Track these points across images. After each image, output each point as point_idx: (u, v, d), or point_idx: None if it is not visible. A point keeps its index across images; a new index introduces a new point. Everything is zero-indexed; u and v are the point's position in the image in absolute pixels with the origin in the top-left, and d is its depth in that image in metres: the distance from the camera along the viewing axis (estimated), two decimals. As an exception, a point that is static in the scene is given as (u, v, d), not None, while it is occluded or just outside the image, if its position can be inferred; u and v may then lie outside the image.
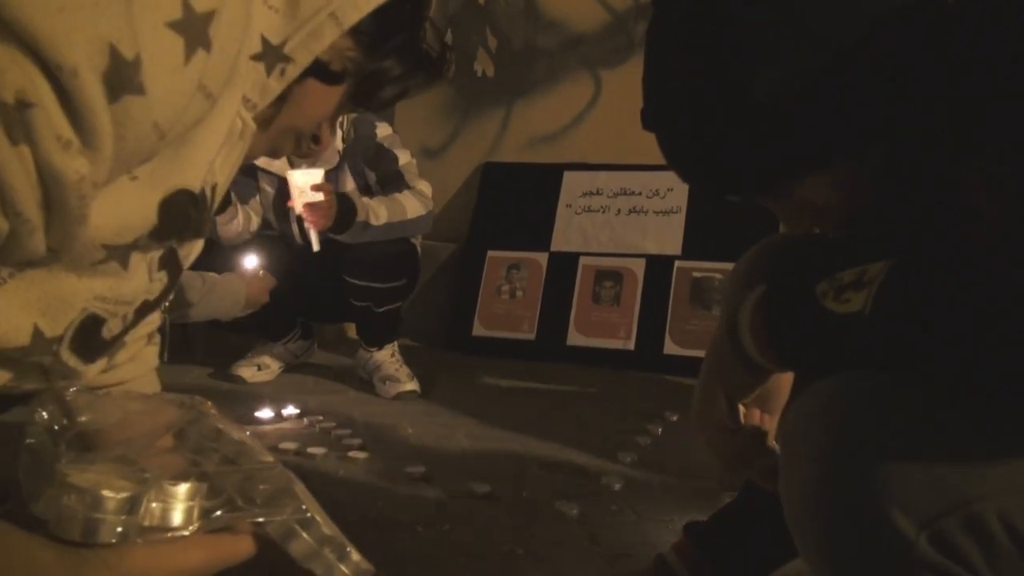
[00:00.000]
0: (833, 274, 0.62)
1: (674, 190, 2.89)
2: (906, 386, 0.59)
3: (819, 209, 0.68)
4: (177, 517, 0.52)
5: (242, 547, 0.54)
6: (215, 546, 0.53)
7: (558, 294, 2.88)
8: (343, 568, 0.58)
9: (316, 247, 1.99)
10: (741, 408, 0.75)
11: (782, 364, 0.69)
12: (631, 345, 2.74)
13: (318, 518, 0.57)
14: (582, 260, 2.92)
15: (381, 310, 2.22)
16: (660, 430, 1.93)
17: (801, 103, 0.60)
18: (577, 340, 2.80)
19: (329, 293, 2.28)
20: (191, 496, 0.52)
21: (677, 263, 2.81)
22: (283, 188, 2.16)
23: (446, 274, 3.07)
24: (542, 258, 2.96)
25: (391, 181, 2.18)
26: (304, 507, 0.56)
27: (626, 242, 2.90)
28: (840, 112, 0.61)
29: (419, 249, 2.29)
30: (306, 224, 1.98)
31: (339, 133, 2.15)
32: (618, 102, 2.99)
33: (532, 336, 2.85)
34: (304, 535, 0.56)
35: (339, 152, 2.16)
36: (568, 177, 3.04)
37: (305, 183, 1.94)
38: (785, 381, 0.80)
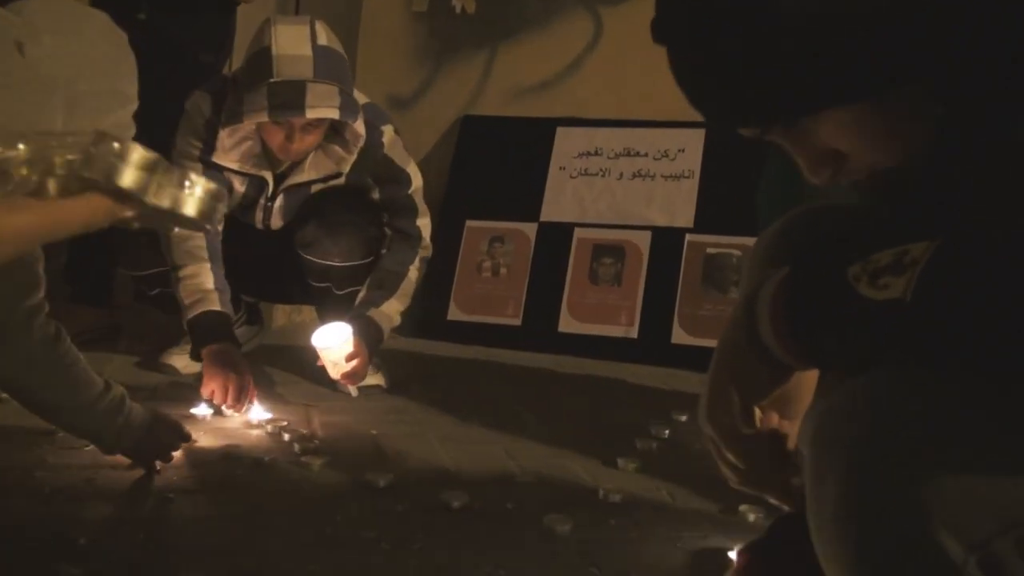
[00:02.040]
0: (867, 255, 0.63)
1: (686, 151, 2.89)
2: (950, 389, 0.60)
3: (842, 157, 0.70)
4: None
5: (75, 208, 0.64)
6: (42, 209, 0.62)
7: (549, 272, 2.89)
8: (195, 191, 0.68)
9: (355, 394, 2.13)
10: (756, 412, 0.75)
11: (806, 358, 0.69)
12: (634, 333, 2.75)
13: (138, 148, 0.67)
14: (577, 232, 2.92)
15: (343, 293, 2.22)
16: (667, 432, 1.94)
17: (822, 29, 0.63)
18: (571, 326, 2.81)
19: (283, 271, 2.27)
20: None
21: (688, 237, 2.82)
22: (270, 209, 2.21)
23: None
24: (530, 229, 2.96)
25: (399, 211, 2.20)
26: (116, 141, 0.66)
27: (629, 211, 2.90)
28: (860, 44, 0.63)
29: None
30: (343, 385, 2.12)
31: (347, 164, 2.14)
32: (621, 46, 2.99)
33: (518, 321, 2.86)
34: (128, 164, 0.66)
35: (344, 173, 2.16)
36: (561, 134, 3.04)
37: (339, 356, 2.04)
38: (808, 382, 0.80)
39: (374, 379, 2.19)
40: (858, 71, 0.63)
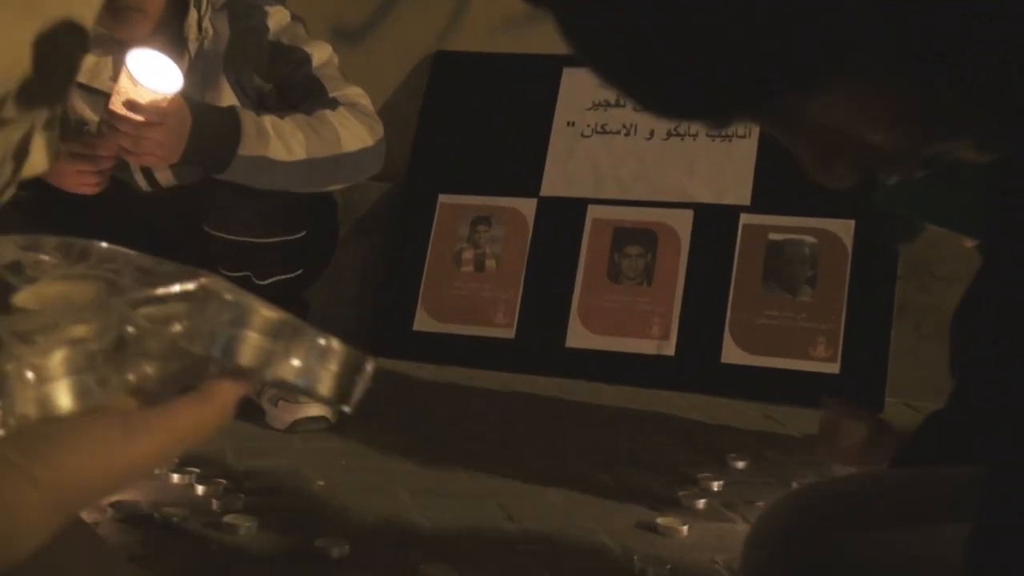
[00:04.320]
0: None
1: (740, 101, 2.90)
2: None
3: (858, 145, 0.70)
4: (62, 396, 0.58)
5: (202, 414, 0.63)
6: (167, 420, 0.61)
7: (553, 266, 2.89)
8: (331, 362, 0.67)
9: (144, 185, 2.07)
10: None
11: None
12: (670, 349, 2.76)
13: (260, 307, 0.65)
14: (592, 211, 2.92)
15: (267, 283, 2.20)
16: (719, 484, 1.95)
17: None
18: (584, 340, 2.81)
19: (183, 256, 2.26)
20: (74, 363, 0.59)
21: (744, 218, 2.83)
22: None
23: (373, 233, 3.06)
24: (527, 207, 2.96)
25: (303, 95, 2.17)
26: (230, 295, 0.65)
27: (663, 183, 2.90)
28: None
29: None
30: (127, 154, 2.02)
31: (191, 29, 2.13)
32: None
33: (511, 333, 2.85)
34: (249, 332, 0.64)
35: (190, 54, 2.14)
36: (569, 78, 3.04)
37: (141, 92, 1.94)
38: None
39: (318, 409, 2.18)
40: (841, 34, 0.63)
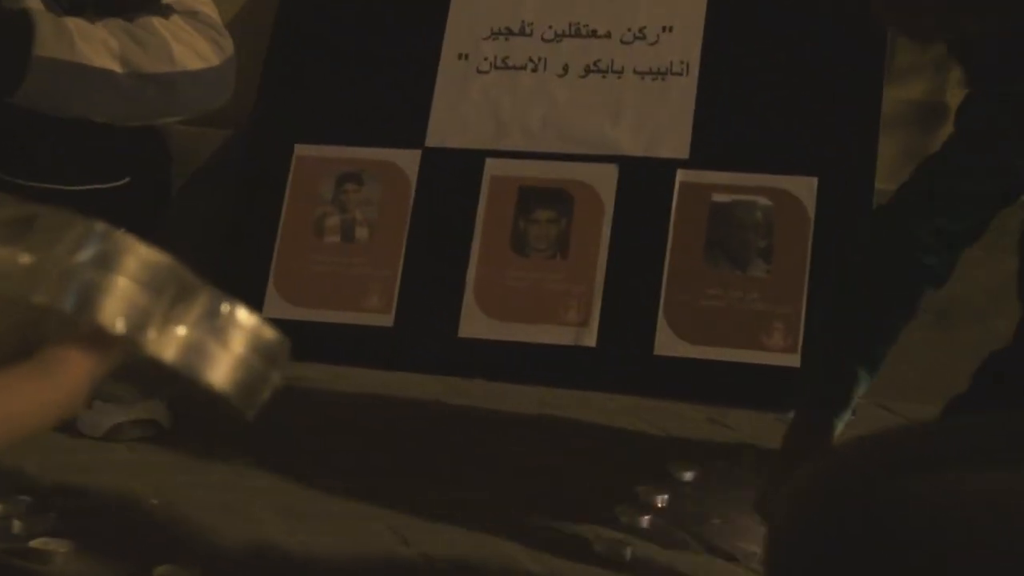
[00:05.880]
0: None
1: (675, 30, 2.92)
2: None
3: None
4: None
5: (49, 387, 0.63)
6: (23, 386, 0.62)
7: (442, 235, 2.90)
8: (232, 339, 0.66)
9: None
10: None
11: None
12: (591, 338, 2.76)
13: (137, 245, 0.62)
14: (491, 166, 2.93)
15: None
16: (663, 500, 1.98)
17: None
18: (481, 328, 2.82)
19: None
20: None
21: (681, 174, 2.85)
22: None
23: (211, 192, 3.03)
24: (409, 160, 2.95)
25: (127, 2, 2.12)
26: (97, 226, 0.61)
27: (580, 131, 2.92)
28: None
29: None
30: None
31: None
32: None
33: (388, 320, 2.85)
34: (118, 278, 0.60)
35: None
36: (462, -1, 3.05)
37: None
38: None
39: (145, 411, 2.15)
40: None
